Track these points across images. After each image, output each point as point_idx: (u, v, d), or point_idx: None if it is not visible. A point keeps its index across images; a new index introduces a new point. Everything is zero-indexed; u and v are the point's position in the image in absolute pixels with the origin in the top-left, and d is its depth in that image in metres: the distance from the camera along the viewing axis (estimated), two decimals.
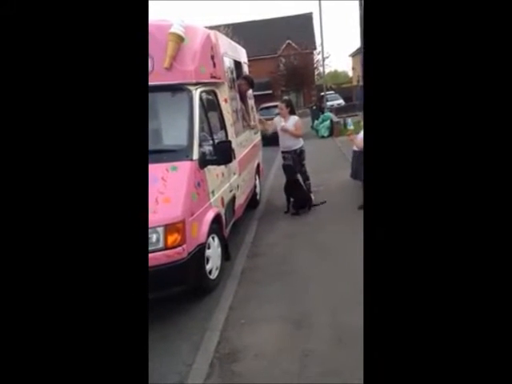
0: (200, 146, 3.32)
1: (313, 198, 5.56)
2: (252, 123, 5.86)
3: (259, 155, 6.21)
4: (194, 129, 3.29)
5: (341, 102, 25.36)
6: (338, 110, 18.03)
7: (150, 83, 2.53)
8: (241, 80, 5.26)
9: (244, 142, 5.05)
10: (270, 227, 4.83)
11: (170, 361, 2.51)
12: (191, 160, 3.15)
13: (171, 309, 3.07)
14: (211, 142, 3.60)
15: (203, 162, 3.30)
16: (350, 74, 42.38)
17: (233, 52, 5.17)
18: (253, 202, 5.53)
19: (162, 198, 2.84)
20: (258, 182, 5.84)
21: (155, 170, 2.86)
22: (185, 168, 3.09)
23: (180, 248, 2.83)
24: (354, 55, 34.69)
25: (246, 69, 6.00)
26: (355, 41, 62.43)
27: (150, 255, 2.63)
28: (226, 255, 3.72)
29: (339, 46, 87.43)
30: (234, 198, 4.23)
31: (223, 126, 4.14)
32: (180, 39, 3.28)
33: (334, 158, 8.49)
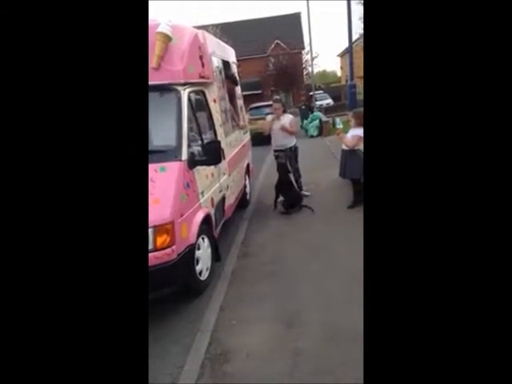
0: (189, 146, 3.30)
1: (307, 193, 5.70)
2: (241, 123, 5.85)
3: (249, 155, 6.21)
4: (182, 129, 3.27)
5: (330, 101, 25.49)
6: (326, 110, 18.11)
7: None
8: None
9: (233, 142, 5.04)
10: (260, 227, 4.83)
11: (161, 363, 2.49)
12: (180, 160, 3.13)
13: (161, 310, 3.05)
14: (200, 142, 3.58)
15: (192, 163, 3.28)
16: (339, 73, 42.65)
17: (221, 52, 5.15)
18: (243, 202, 5.53)
19: (151, 199, 2.81)
20: (247, 181, 5.84)
21: None
22: (174, 169, 3.06)
23: (169, 249, 2.81)
24: (342, 55, 34.90)
25: (234, 68, 5.99)
26: (343, 41, 62.80)
27: None
28: (216, 256, 3.71)
29: (327, 45, 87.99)
30: (223, 199, 4.22)
31: (212, 126, 4.12)
32: (167, 39, 3.25)
33: (324, 157, 8.53)
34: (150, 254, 2.71)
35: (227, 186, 4.38)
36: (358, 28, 23.21)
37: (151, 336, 2.73)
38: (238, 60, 6.47)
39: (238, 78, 6.05)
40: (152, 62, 3.19)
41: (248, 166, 5.95)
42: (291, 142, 5.53)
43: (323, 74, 51.95)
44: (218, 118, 4.30)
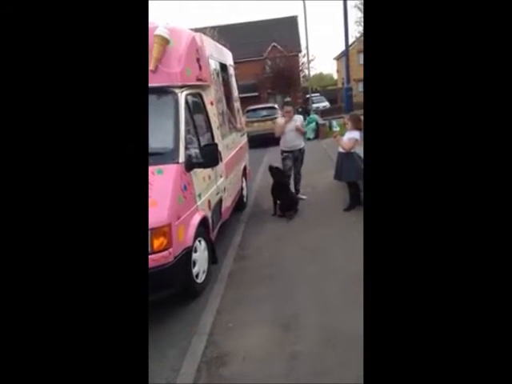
0: (186, 148, 3.29)
1: (304, 197, 5.75)
2: (238, 125, 5.86)
3: (246, 157, 6.21)
4: (179, 131, 3.27)
5: (326, 104, 25.60)
6: (323, 112, 18.20)
7: None
8: None
9: (230, 145, 5.04)
10: (257, 229, 4.83)
11: (157, 366, 2.48)
12: (177, 163, 3.13)
13: (158, 313, 3.04)
14: (197, 144, 3.58)
15: (189, 165, 3.28)
16: (335, 76, 42.82)
17: (219, 54, 5.16)
18: (240, 204, 5.52)
19: (148, 201, 2.80)
20: (244, 184, 5.84)
21: None
22: (171, 171, 3.06)
23: (166, 252, 2.80)
24: (338, 58, 35.06)
25: (231, 71, 6.00)
26: (340, 44, 63.14)
27: None
28: (213, 258, 3.70)
29: (324, 48, 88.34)
30: (220, 201, 4.22)
31: (209, 129, 4.12)
32: (165, 41, 3.26)
33: (320, 160, 8.53)
34: None
35: (224, 189, 4.38)
36: (354, 31, 23.41)
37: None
38: (235, 62, 6.48)
39: (235, 80, 6.07)
40: (150, 64, 3.19)
41: (245, 168, 5.95)
42: (301, 143, 5.63)
43: (320, 76, 52.11)
44: (215, 120, 4.31)
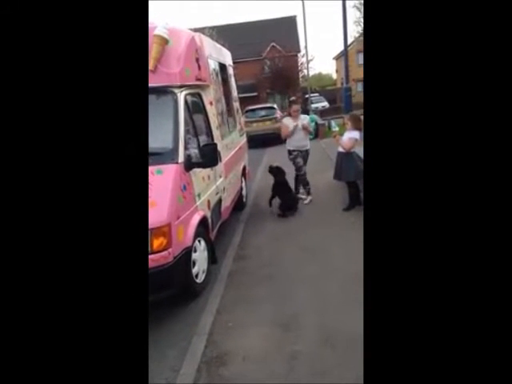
0: (185, 148, 3.29)
1: (304, 197, 5.70)
2: (237, 125, 5.86)
3: (245, 157, 6.21)
4: (179, 131, 3.27)
5: (325, 104, 25.60)
6: (322, 112, 18.19)
7: None
8: None
9: (230, 145, 5.04)
10: (257, 229, 4.83)
11: (157, 367, 2.48)
12: (177, 163, 3.13)
13: (158, 313, 3.03)
14: (197, 144, 3.58)
15: (189, 165, 3.28)
16: (334, 76, 42.82)
17: (218, 54, 5.16)
18: (239, 204, 5.52)
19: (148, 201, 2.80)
20: (244, 184, 5.84)
21: None
22: (170, 171, 3.06)
23: (166, 252, 2.80)
24: (337, 58, 35.06)
25: (231, 71, 6.00)
26: (339, 44, 63.15)
27: None
28: (213, 258, 3.70)
29: (323, 48, 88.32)
30: (220, 201, 4.22)
31: (209, 129, 4.12)
32: (164, 41, 3.25)
33: (319, 160, 8.54)
34: None
35: (224, 189, 4.38)
36: (353, 31, 23.44)
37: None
38: (234, 62, 6.47)
39: (234, 80, 6.06)
40: (149, 64, 3.19)
41: (244, 168, 5.95)
42: (308, 143, 5.59)
43: (319, 76, 52.08)
44: (214, 120, 4.31)
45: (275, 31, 27.61)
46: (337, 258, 3.71)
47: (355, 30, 23.11)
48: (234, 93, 6.08)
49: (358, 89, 26.42)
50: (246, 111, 12.68)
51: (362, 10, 20.20)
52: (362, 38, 21.61)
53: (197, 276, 3.29)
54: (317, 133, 12.98)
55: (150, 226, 2.70)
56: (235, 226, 5.01)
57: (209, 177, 3.83)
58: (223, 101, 5.10)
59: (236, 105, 6.07)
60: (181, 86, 3.47)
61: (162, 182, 2.97)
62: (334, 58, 38.70)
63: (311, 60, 25.44)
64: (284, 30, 28.32)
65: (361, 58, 27.24)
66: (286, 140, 5.59)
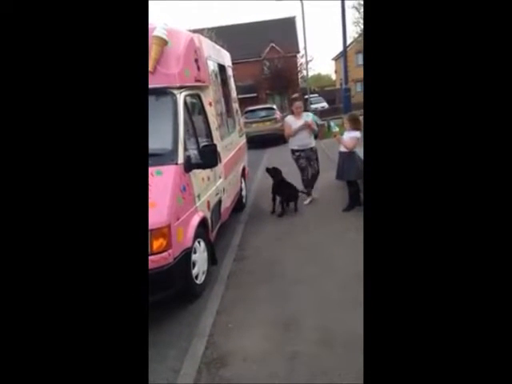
0: (185, 149, 3.30)
1: (310, 197, 5.61)
2: (237, 126, 5.86)
3: (245, 158, 6.21)
4: (178, 132, 3.27)
5: (324, 104, 25.61)
6: (321, 113, 18.20)
7: None
8: None
9: (229, 146, 5.04)
10: (256, 230, 4.83)
11: (157, 367, 2.48)
12: (176, 164, 3.13)
13: (158, 314, 3.03)
14: (196, 145, 3.58)
15: (188, 166, 3.28)
16: (333, 77, 42.87)
17: (217, 55, 5.16)
18: (239, 205, 5.52)
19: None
20: (243, 185, 5.84)
21: None
22: (170, 172, 3.06)
23: (166, 253, 2.80)
24: (336, 59, 35.11)
25: (230, 72, 6.00)
26: (338, 44, 63.29)
27: None
28: (213, 259, 3.70)
29: (322, 49, 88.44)
30: (219, 202, 4.22)
31: (208, 130, 4.12)
32: (163, 42, 3.26)
33: (319, 160, 8.55)
34: None
35: (223, 189, 4.38)
36: (352, 32, 23.47)
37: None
38: (233, 63, 6.48)
39: (233, 81, 6.07)
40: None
41: (244, 169, 5.95)
42: (312, 141, 5.36)
43: (318, 77, 52.12)
44: (213, 121, 4.31)
45: (274, 32, 27.63)
46: (336, 258, 3.71)
47: (354, 30, 23.17)
48: (234, 94, 6.08)
49: (358, 89, 26.45)
50: (246, 112, 12.69)
51: (361, 10, 20.27)
52: (361, 39, 21.67)
53: (197, 277, 3.29)
54: (316, 133, 12.98)
55: (149, 227, 2.70)
56: (235, 227, 5.00)
57: (208, 178, 3.83)
58: (222, 102, 5.10)
59: (235, 106, 6.07)
60: (180, 87, 3.47)
61: (161, 182, 2.97)
62: (333, 59, 38.75)
63: (310, 61, 25.43)
64: (283, 30, 28.34)
65: (360, 59, 27.29)
66: (288, 139, 5.41)
